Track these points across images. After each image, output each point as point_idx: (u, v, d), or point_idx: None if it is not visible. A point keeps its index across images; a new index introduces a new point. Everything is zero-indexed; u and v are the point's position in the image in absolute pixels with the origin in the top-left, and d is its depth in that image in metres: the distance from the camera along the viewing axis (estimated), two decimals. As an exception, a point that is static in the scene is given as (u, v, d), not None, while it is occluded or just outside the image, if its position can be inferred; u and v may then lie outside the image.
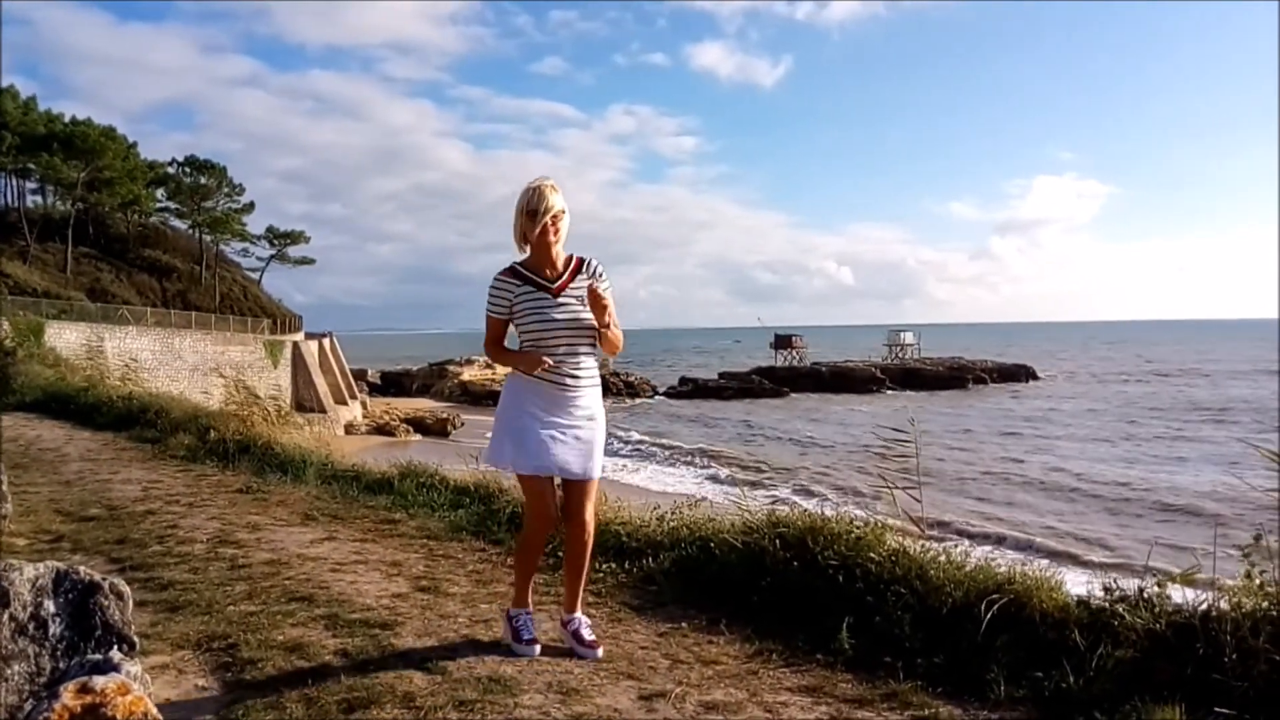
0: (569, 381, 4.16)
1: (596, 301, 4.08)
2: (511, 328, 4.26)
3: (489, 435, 4.33)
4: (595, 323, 4.14)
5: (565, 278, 4.19)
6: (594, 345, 4.24)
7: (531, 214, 4.08)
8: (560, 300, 4.15)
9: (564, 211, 4.13)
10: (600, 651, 4.22)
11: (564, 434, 4.14)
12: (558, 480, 4.26)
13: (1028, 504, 30.60)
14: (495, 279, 4.22)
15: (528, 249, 4.20)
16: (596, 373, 4.31)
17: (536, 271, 4.19)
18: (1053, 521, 27.45)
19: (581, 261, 4.25)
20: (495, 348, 4.31)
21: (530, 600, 4.44)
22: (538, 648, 4.25)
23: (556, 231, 4.13)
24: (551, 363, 4.09)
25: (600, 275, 4.24)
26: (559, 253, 4.19)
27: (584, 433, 4.19)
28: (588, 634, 4.29)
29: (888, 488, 5.50)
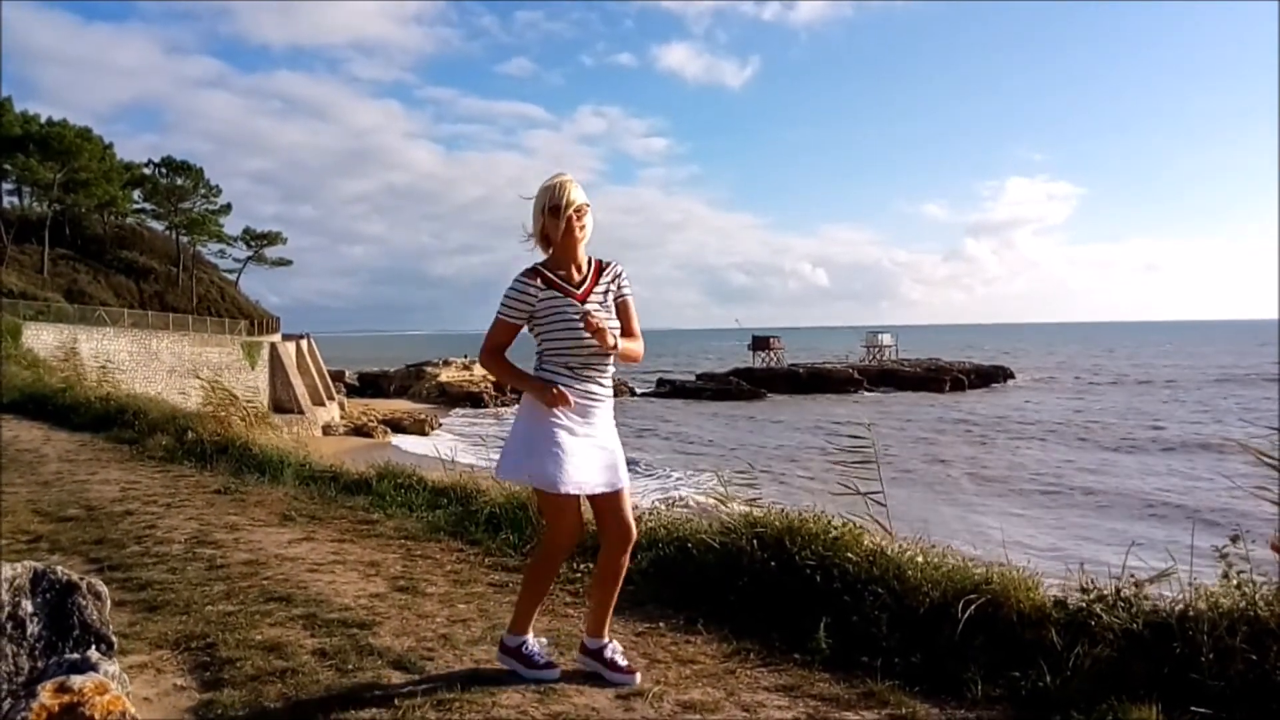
0: (598, 392, 3.90)
1: (599, 333, 3.74)
2: (526, 330, 3.96)
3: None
4: (617, 332, 3.85)
5: (590, 281, 3.91)
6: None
7: (554, 210, 3.78)
8: (586, 306, 3.83)
9: (588, 206, 3.86)
10: (638, 678, 3.94)
11: (597, 448, 3.87)
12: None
13: (1001, 510, 30.65)
14: (518, 280, 3.85)
15: (550, 250, 3.90)
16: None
17: (560, 273, 3.89)
18: (1028, 529, 27.54)
19: (602, 265, 3.97)
20: (495, 357, 3.96)
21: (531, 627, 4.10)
22: (558, 670, 4.00)
23: (582, 228, 3.85)
24: (572, 401, 3.79)
25: (623, 282, 3.98)
26: (584, 252, 3.92)
27: (611, 442, 3.94)
28: (622, 660, 4.01)
29: (852, 492, 5.51)
